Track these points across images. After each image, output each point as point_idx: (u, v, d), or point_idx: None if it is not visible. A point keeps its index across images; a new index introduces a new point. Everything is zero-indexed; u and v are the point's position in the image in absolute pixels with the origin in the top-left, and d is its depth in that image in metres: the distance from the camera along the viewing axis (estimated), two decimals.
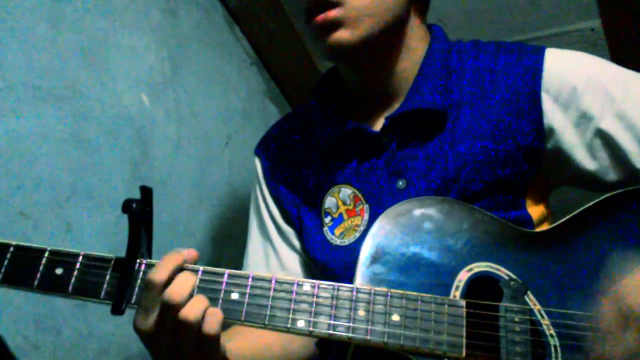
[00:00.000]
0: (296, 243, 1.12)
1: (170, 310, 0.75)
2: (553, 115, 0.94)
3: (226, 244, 1.59)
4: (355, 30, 0.93)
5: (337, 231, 1.02)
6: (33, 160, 1.12)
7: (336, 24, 0.92)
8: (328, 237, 1.03)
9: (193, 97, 1.54)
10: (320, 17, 0.92)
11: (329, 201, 1.04)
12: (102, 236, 1.23)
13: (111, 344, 1.23)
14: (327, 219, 1.04)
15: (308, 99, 1.14)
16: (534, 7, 1.57)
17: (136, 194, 0.85)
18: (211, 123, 1.60)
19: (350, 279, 0.86)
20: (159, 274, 0.77)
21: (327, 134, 1.04)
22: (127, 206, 0.81)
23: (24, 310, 1.07)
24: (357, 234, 0.99)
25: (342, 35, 0.93)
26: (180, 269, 0.79)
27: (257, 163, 1.18)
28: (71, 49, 1.23)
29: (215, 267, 1.57)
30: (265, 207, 1.15)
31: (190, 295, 0.77)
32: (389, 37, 0.98)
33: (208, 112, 1.59)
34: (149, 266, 0.82)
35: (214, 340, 0.77)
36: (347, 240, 1.00)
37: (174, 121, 1.47)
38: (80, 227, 1.20)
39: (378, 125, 1.00)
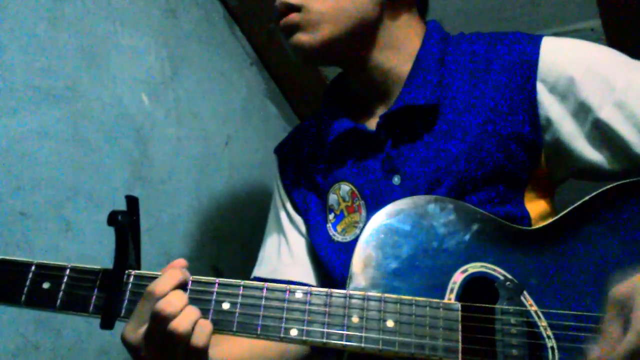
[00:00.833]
0: (304, 230, 1.14)
1: (161, 321, 0.74)
2: (550, 105, 0.93)
3: (226, 244, 1.59)
4: (315, 34, 0.97)
5: (340, 227, 1.04)
6: (33, 160, 1.13)
7: (295, 27, 0.97)
8: (331, 233, 1.05)
9: (193, 97, 1.54)
10: (282, 21, 0.98)
11: (332, 198, 1.06)
12: (102, 236, 1.23)
13: (111, 344, 1.23)
14: (331, 216, 1.06)
15: (308, 99, 1.16)
16: (534, 7, 1.56)
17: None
18: (211, 123, 1.60)
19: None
20: (160, 287, 0.76)
21: (330, 134, 1.06)
22: (112, 219, 0.79)
23: (24, 310, 1.07)
24: (357, 231, 1.00)
25: (301, 38, 0.97)
26: (181, 287, 0.79)
27: (275, 161, 1.23)
28: (71, 49, 1.23)
29: (215, 267, 1.58)
30: (280, 201, 1.19)
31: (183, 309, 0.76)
32: (358, 38, 0.99)
33: (208, 112, 1.59)
34: (138, 277, 0.82)
35: (202, 352, 0.76)
36: (349, 237, 1.02)
37: (174, 121, 1.47)
38: (80, 227, 1.20)
39: (375, 123, 1.01)
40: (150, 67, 1.42)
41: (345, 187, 1.04)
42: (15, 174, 1.09)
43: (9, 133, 1.09)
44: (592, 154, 0.93)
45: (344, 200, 1.04)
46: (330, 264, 1.04)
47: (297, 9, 0.96)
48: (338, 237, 1.03)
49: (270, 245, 1.18)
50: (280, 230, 1.17)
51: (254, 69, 1.80)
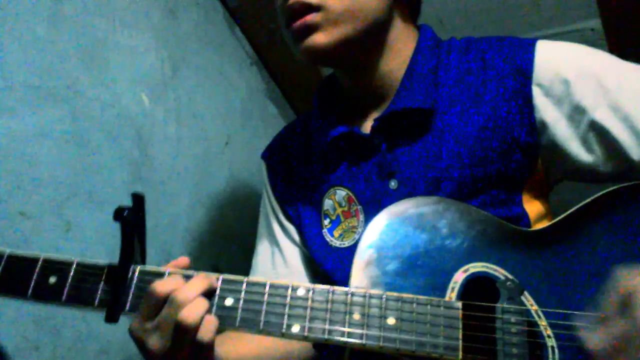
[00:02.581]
0: (297, 238, 1.14)
1: (172, 309, 0.75)
2: (545, 109, 0.93)
3: (226, 244, 1.59)
4: (332, 33, 0.94)
5: (336, 233, 1.03)
6: (33, 160, 1.12)
7: (313, 28, 0.94)
8: (327, 239, 1.04)
9: (193, 97, 1.54)
10: (298, 22, 0.94)
11: (327, 203, 1.05)
12: (102, 236, 1.23)
13: (111, 344, 1.23)
14: (326, 221, 1.05)
15: (308, 99, 1.15)
16: (534, 7, 1.57)
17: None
18: (211, 123, 1.60)
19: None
20: (179, 290, 0.77)
21: (323, 138, 1.05)
22: (118, 214, 0.80)
23: (24, 310, 1.07)
24: (356, 236, 1.00)
25: (318, 39, 0.95)
26: (207, 295, 0.79)
27: (263, 167, 1.21)
28: (71, 49, 1.23)
29: (216, 266, 1.58)
30: (271, 209, 1.18)
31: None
32: (370, 39, 0.99)
33: (208, 112, 1.59)
34: (143, 272, 0.82)
35: (208, 347, 0.76)
36: (347, 242, 1.01)
37: (174, 121, 1.47)
38: (80, 227, 1.20)
39: (369, 127, 1.01)
40: (150, 67, 1.42)
41: (341, 192, 1.03)
42: (15, 174, 1.09)
43: (9, 133, 1.09)
44: (587, 156, 0.94)
45: (340, 206, 1.03)
46: (330, 270, 1.03)
47: (316, 8, 0.93)
48: (335, 243, 1.03)
49: (264, 255, 1.17)
50: (273, 239, 1.16)
51: (254, 69, 1.80)
